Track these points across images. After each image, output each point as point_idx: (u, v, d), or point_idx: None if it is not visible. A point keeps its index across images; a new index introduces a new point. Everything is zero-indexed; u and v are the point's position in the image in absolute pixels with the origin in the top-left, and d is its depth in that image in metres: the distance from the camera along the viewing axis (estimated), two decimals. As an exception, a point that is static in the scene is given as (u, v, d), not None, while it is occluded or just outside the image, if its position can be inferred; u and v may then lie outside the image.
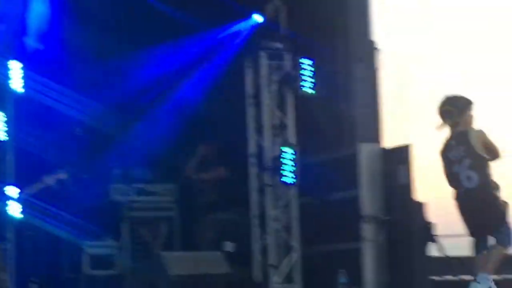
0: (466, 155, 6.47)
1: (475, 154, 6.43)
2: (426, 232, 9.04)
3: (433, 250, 9.34)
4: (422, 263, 8.95)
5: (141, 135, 10.03)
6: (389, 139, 9.67)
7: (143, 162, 9.98)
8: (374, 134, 9.56)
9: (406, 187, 8.95)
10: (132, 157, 9.90)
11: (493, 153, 6.51)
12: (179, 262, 7.52)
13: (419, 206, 9.02)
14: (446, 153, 6.61)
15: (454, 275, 9.20)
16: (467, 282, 8.70)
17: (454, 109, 6.62)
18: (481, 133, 6.55)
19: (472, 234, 6.62)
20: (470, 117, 6.64)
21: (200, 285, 7.50)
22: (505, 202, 6.55)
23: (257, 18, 9.26)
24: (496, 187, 6.52)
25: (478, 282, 6.29)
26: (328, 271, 9.01)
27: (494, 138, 6.60)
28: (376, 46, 9.82)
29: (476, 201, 6.45)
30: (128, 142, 9.91)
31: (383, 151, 9.25)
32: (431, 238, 9.11)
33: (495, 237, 6.44)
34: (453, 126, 6.62)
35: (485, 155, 6.46)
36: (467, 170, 6.46)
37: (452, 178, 6.58)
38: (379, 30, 9.95)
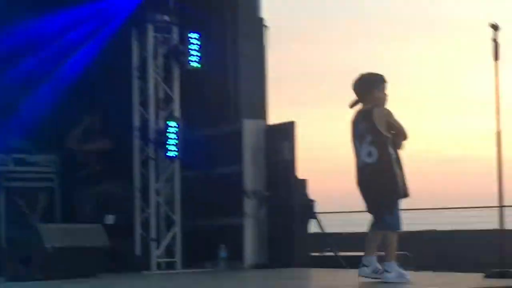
0: (368, 132, 6.57)
1: (377, 131, 6.53)
2: (306, 209, 9.21)
3: (313, 227, 9.55)
4: (301, 239, 9.12)
5: (22, 105, 9.79)
6: (274, 116, 9.79)
7: (24, 133, 9.76)
8: (259, 110, 9.65)
9: (289, 164, 9.08)
10: (12, 127, 9.66)
11: (399, 134, 6.62)
12: (56, 234, 7.39)
13: (301, 183, 9.18)
14: (352, 128, 6.72)
15: (332, 251, 9.42)
16: (344, 258, 9.00)
17: (361, 87, 6.72)
18: (385, 111, 6.65)
19: (368, 209, 6.74)
20: (380, 95, 6.72)
21: (77, 257, 7.39)
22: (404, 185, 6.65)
23: (145, -11, 9.13)
24: (394, 167, 6.60)
25: (387, 271, 6.41)
26: (210, 245, 9.07)
27: (400, 119, 6.71)
28: (264, 24, 9.91)
29: (373, 176, 6.54)
30: (7, 112, 9.65)
31: (267, 127, 9.35)
32: (312, 214, 9.30)
33: (387, 220, 6.53)
34: (362, 103, 6.73)
35: (387, 134, 6.57)
36: (368, 145, 6.56)
37: (355, 152, 6.69)
38: (268, 7, 10.04)
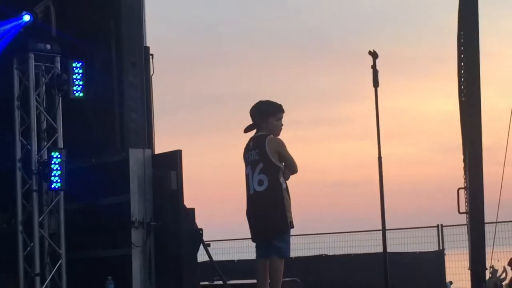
0: (259, 159, 6.59)
1: (267, 159, 6.56)
2: (195, 238, 9.15)
3: (201, 255, 9.49)
4: (190, 268, 9.04)
5: None
6: (161, 145, 9.73)
7: None
8: (145, 139, 9.57)
9: (175, 193, 9.01)
10: None
11: (288, 166, 6.66)
12: None
13: (188, 212, 9.12)
14: (245, 154, 6.72)
15: (221, 280, 9.38)
16: (234, 286, 8.98)
17: (258, 114, 6.74)
18: (279, 141, 6.68)
19: (254, 237, 6.74)
20: (275, 124, 6.73)
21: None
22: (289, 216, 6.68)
23: (26, 17, 8.96)
24: (285, 196, 6.62)
25: None
26: (97, 278, 8.89)
27: (291, 152, 6.74)
28: (149, 52, 9.87)
29: (263, 204, 6.56)
30: None
31: (153, 156, 9.27)
32: (200, 243, 9.24)
33: (277, 245, 6.54)
34: (257, 130, 6.74)
35: (278, 163, 6.59)
36: (259, 173, 6.58)
37: (247, 180, 6.70)
38: (153, 35, 10.01)
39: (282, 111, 6.79)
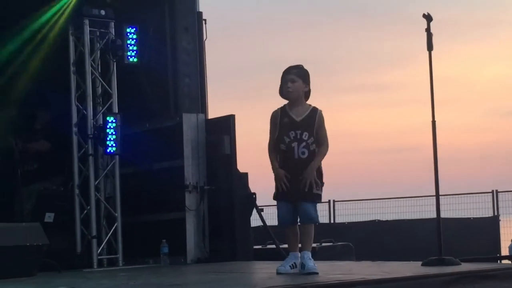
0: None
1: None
2: (248, 202, 9.22)
3: (254, 220, 9.57)
4: (244, 232, 9.13)
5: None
6: (214, 110, 9.79)
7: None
8: (198, 104, 9.65)
9: (229, 157, 9.08)
10: None
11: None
12: (-8, 234, 7.27)
13: (241, 176, 9.19)
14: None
15: (274, 244, 9.44)
16: (286, 250, 9.03)
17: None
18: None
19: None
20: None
21: (16, 256, 7.27)
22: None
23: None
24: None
25: (310, 259, 6.46)
26: (151, 241, 9.03)
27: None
28: (202, 17, 9.90)
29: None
30: None
31: (207, 121, 9.34)
32: (253, 207, 9.31)
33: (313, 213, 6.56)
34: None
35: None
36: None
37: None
38: (206, 1, 10.03)
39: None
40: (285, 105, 6.60)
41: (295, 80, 6.54)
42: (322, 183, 6.53)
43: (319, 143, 6.50)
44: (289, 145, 6.47)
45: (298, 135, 6.48)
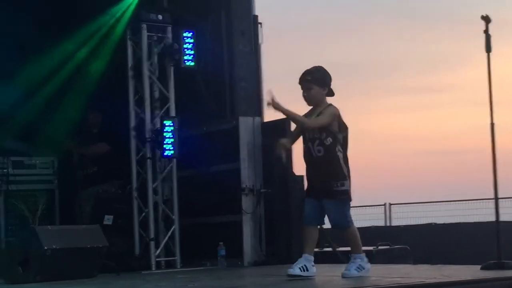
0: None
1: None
2: (303, 205, 9.20)
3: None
4: (300, 235, 9.11)
5: (18, 106, 9.86)
6: (270, 113, 9.80)
7: (22, 135, 9.82)
8: (254, 107, 9.67)
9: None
10: (8, 130, 9.72)
11: None
12: (54, 236, 7.39)
13: (297, 179, 9.18)
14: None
15: (331, 247, 9.44)
16: (343, 253, 9.02)
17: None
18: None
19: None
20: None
21: (76, 258, 7.40)
22: None
23: (138, -11, 9.19)
24: None
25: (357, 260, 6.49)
26: (208, 243, 9.09)
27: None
28: (258, 20, 9.93)
29: None
30: (5, 114, 9.72)
31: (263, 124, 9.37)
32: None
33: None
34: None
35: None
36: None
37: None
38: (262, 4, 10.06)
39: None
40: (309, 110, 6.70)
41: (310, 88, 6.60)
42: (340, 182, 6.49)
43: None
44: (307, 145, 6.61)
45: (311, 135, 6.56)
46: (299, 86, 6.68)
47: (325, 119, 6.51)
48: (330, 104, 6.62)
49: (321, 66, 6.69)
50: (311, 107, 6.69)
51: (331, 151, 6.48)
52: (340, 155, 6.53)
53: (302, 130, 6.65)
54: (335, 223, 6.63)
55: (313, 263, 6.52)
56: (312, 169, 6.60)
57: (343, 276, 6.48)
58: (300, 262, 6.50)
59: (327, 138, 6.49)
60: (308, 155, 6.62)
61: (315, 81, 6.58)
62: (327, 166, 6.49)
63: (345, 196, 6.53)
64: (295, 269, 6.47)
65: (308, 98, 6.63)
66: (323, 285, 6.39)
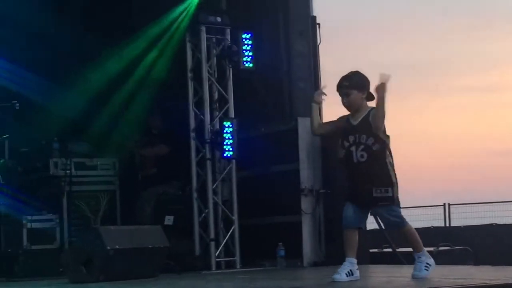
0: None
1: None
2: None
3: (370, 223, 9.52)
4: (360, 235, 9.07)
5: (80, 108, 10.04)
6: (329, 113, 9.78)
7: (83, 136, 9.99)
8: (313, 108, 9.65)
9: (344, 161, 9.05)
10: (71, 131, 9.90)
11: None
12: (117, 236, 7.51)
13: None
14: None
15: (391, 247, 9.39)
16: (403, 254, 8.97)
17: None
18: None
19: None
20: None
21: (138, 258, 7.50)
22: None
23: (197, -7, 9.27)
24: None
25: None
26: (268, 244, 9.12)
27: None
28: (316, 21, 9.93)
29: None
30: (66, 115, 9.90)
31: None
32: (368, 211, 9.26)
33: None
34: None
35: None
36: None
37: None
38: (320, 5, 10.06)
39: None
40: (349, 114, 6.56)
41: (349, 94, 6.46)
42: (391, 185, 6.35)
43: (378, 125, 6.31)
44: (348, 149, 6.43)
45: (357, 139, 6.40)
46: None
47: (382, 120, 6.35)
48: (373, 107, 6.45)
49: (357, 71, 6.56)
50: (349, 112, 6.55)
51: (377, 157, 6.34)
52: (390, 161, 6.39)
53: (343, 130, 6.51)
54: (389, 224, 6.56)
55: (356, 267, 6.44)
56: (354, 174, 6.44)
57: (414, 277, 6.42)
58: (346, 267, 6.42)
59: (375, 144, 6.33)
60: (348, 160, 6.44)
61: (354, 86, 6.46)
62: (371, 172, 6.33)
63: (391, 202, 6.39)
64: (342, 275, 6.39)
65: (348, 104, 6.48)
66: (383, 286, 6.37)
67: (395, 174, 6.43)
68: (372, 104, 6.46)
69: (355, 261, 6.45)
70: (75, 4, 10.55)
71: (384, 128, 6.41)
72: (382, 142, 6.37)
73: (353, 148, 6.41)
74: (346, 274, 6.39)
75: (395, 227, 6.52)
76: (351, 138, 6.44)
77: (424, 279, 6.27)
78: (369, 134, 6.36)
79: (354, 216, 6.47)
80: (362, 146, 6.37)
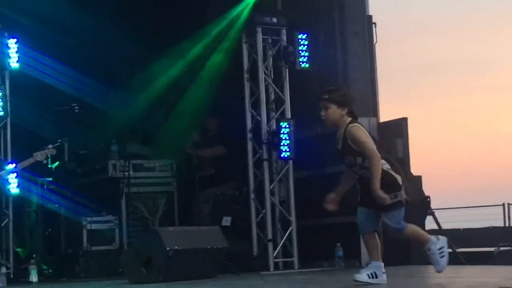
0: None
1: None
2: (422, 205, 9.10)
3: (429, 223, 9.43)
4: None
5: (138, 111, 10.13)
6: (386, 113, 9.73)
7: (141, 138, 10.08)
8: (370, 108, 9.61)
9: (402, 161, 8.98)
10: (129, 133, 10.00)
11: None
12: (175, 237, 7.56)
13: (415, 179, 9.08)
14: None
15: (450, 247, 9.27)
16: (463, 254, 8.87)
17: None
18: None
19: None
20: None
21: (197, 259, 7.54)
22: None
23: (252, -6, 9.29)
24: None
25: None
26: (326, 244, 9.09)
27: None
28: (372, 21, 9.87)
29: None
30: (124, 117, 10.00)
31: (379, 124, 9.30)
32: (428, 211, 9.19)
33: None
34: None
35: None
36: None
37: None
38: (375, 3, 10.00)
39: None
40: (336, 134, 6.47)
41: (328, 107, 6.40)
42: (394, 194, 6.30)
43: (367, 157, 6.20)
44: (351, 169, 6.43)
45: (349, 161, 6.38)
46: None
47: (369, 145, 6.24)
48: (352, 126, 6.34)
49: (342, 87, 6.57)
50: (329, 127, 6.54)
51: None
52: (387, 166, 6.29)
53: (337, 152, 6.47)
54: (392, 232, 6.51)
55: (383, 270, 6.34)
56: (363, 184, 6.38)
57: (438, 272, 6.36)
58: (369, 269, 6.33)
59: (365, 160, 6.23)
60: (355, 175, 6.43)
61: (333, 101, 6.38)
62: None
63: (399, 206, 6.36)
64: (363, 275, 6.30)
65: (325, 117, 6.42)
66: (444, 287, 6.30)
67: (399, 175, 6.36)
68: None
69: (380, 264, 6.36)
70: (134, 10, 10.65)
71: (371, 146, 6.26)
72: (368, 160, 6.24)
73: (354, 169, 6.39)
74: (368, 275, 6.30)
75: (397, 234, 6.50)
76: (346, 161, 6.44)
77: (485, 283, 6.16)
78: (356, 154, 6.28)
79: (367, 220, 6.43)
80: (357, 166, 6.32)
